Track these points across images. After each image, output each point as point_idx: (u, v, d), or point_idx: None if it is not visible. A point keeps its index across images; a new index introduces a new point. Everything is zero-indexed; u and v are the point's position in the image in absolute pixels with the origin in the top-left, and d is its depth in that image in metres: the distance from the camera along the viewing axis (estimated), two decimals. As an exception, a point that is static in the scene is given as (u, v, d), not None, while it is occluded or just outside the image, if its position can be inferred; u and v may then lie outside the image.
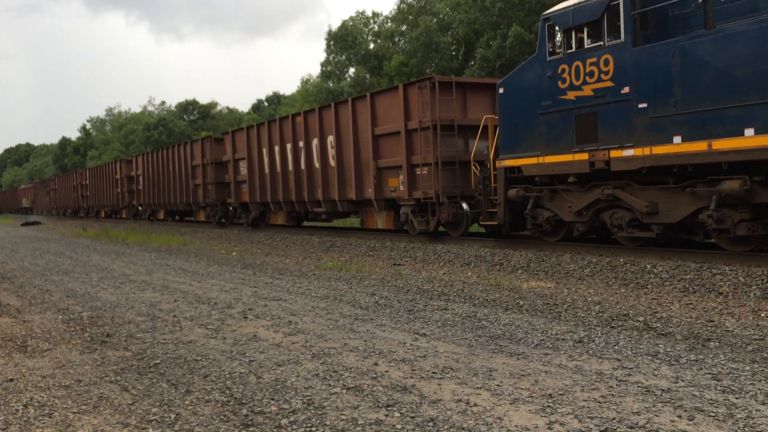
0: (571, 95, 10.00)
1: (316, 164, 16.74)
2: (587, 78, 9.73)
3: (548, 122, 10.43)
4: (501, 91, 11.34)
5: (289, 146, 18.02)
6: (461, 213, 12.78)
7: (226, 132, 23.41)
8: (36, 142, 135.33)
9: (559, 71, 10.13)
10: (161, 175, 28.30)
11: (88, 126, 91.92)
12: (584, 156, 9.84)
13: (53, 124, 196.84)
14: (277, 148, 18.71)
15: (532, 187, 11.02)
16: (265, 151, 19.38)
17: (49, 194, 52.49)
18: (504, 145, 11.30)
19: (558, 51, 10.25)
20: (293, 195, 17.87)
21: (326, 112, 16.35)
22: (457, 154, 12.92)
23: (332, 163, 16.04)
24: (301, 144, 17.38)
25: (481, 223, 12.21)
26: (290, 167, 17.91)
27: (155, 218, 30.66)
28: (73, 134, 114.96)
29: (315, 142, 16.75)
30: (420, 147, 13.09)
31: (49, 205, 53.37)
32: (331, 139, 16.06)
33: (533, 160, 10.72)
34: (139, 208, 32.20)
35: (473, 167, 12.31)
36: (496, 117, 11.76)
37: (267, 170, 19.22)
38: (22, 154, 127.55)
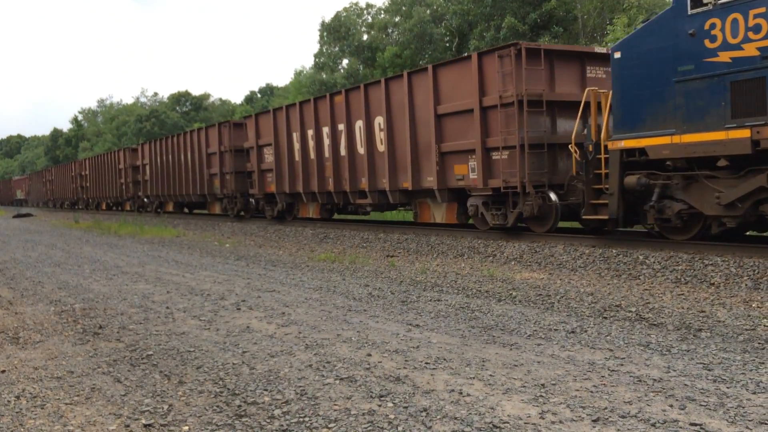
0: (725, 56, 8.07)
1: (360, 150, 14.71)
2: (751, 34, 7.80)
3: (688, 92, 8.49)
4: (617, 56, 9.43)
5: (326, 130, 15.91)
6: (549, 205, 10.91)
7: (247, 116, 20.92)
8: (27, 133, 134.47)
9: (707, 27, 8.19)
10: (171, 165, 25.88)
11: (80, 118, 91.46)
12: (744, 133, 7.92)
13: (45, 115, 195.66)
14: (311, 132, 16.51)
15: (657, 173, 9.09)
16: (296, 135, 17.17)
17: (46, 185, 50.33)
18: (620, 122, 9.37)
19: (706, 1, 8.20)
20: (330, 185, 15.83)
21: (374, 90, 14.30)
22: (545, 135, 11.03)
23: (381, 147, 14.11)
24: (341, 127, 15.31)
25: (584, 216, 10.13)
26: (327, 153, 15.94)
27: (163, 211, 28.47)
28: (65, 126, 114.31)
29: (359, 124, 14.69)
30: (499, 127, 11.11)
31: (45, 197, 51.18)
32: (379, 120, 14.06)
33: (664, 140, 8.77)
34: (145, 200, 29.89)
35: (573, 150, 10.33)
36: (601, 90, 10.32)
37: (298, 157, 17.07)
38: (13, 145, 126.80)
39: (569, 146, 10.50)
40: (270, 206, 19.30)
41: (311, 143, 16.49)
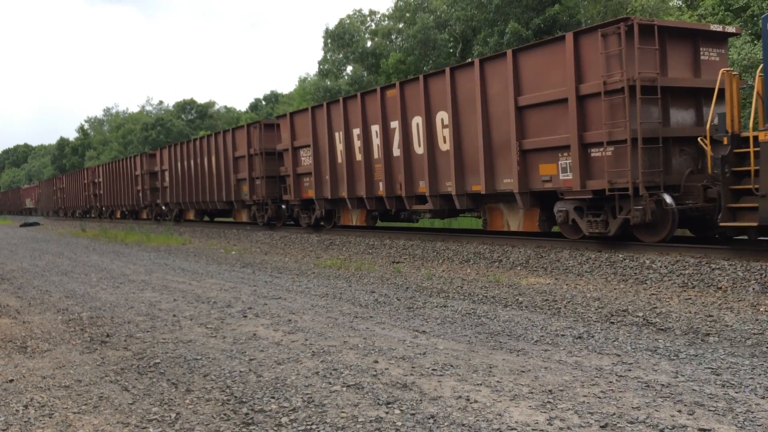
0: None
1: (418, 149, 13.15)
2: None
3: None
4: None
5: (375, 128, 14.27)
6: (664, 210, 9.35)
7: (280, 115, 18.69)
8: (34, 142, 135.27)
9: None
10: (194, 170, 24.01)
11: (86, 126, 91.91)
12: None
13: (51, 124, 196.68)
14: (357, 131, 14.85)
15: None
16: (339, 135, 15.43)
17: (56, 194, 48.14)
18: None
19: None
20: (381, 189, 14.18)
21: (436, 82, 12.59)
22: (659, 127, 9.50)
23: (444, 146, 12.49)
24: (394, 124, 13.74)
25: (721, 223, 8.54)
26: (377, 154, 14.29)
27: (183, 219, 26.76)
28: (71, 135, 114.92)
29: (416, 120, 13.14)
30: (602, 119, 9.56)
31: (55, 206, 48.90)
32: (442, 115, 12.46)
33: None
34: (163, 207, 28.04)
35: (704, 144, 8.91)
36: (734, 72, 8.95)
37: (341, 159, 15.37)
38: (20, 155, 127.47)
39: (699, 139, 9.16)
40: (306, 213, 17.63)
41: (357, 143, 14.86)
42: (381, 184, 14.21)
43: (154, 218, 29.24)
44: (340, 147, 15.45)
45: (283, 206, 18.96)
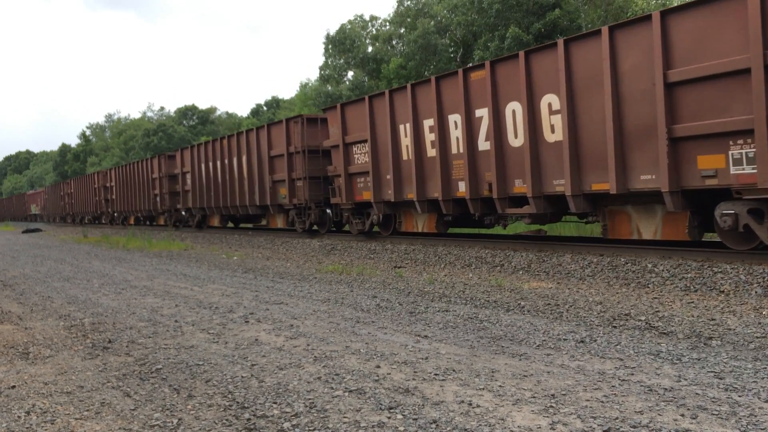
0: None
1: (514, 141, 11.02)
2: None
3: None
4: None
5: (454, 119, 12.15)
6: None
7: (329, 107, 15.99)
8: (36, 149, 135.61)
9: None
10: (220, 172, 22.13)
11: (88, 132, 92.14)
12: None
13: (53, 131, 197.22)
14: (428, 123, 12.75)
15: None
16: (404, 128, 13.36)
17: (64, 199, 46.34)
18: None
19: None
20: (462, 189, 12.07)
21: (542, 59, 10.42)
22: None
23: (551, 137, 10.36)
24: (480, 113, 11.58)
25: None
26: (456, 148, 12.16)
27: (206, 225, 24.97)
28: (73, 141, 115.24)
29: (512, 107, 10.96)
30: None
31: (62, 212, 46.98)
32: (550, 99, 10.30)
33: None
34: (183, 213, 26.10)
35: None
36: None
37: (408, 155, 13.29)
38: (22, 161, 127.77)
39: None
40: (359, 219, 15.53)
41: (429, 137, 12.78)
42: (462, 183, 12.05)
43: (173, 224, 27.38)
44: (405, 141, 13.37)
45: (328, 210, 17.03)
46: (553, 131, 10.38)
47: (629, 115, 9.30)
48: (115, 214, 35.19)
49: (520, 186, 10.94)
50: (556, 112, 10.29)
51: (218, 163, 22.29)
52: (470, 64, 11.78)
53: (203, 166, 23.48)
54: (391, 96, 13.69)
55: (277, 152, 18.53)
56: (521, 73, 10.69)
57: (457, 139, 12.17)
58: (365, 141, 14.54)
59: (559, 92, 10.15)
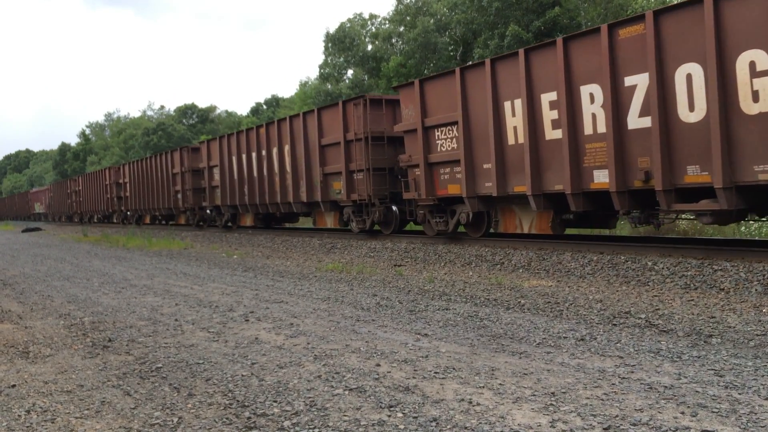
0: None
1: (688, 116, 8.53)
2: None
3: None
4: None
5: (589, 90, 9.71)
6: None
7: (403, 84, 13.62)
8: (35, 148, 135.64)
9: None
10: (255, 165, 19.61)
11: (88, 131, 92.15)
12: None
13: (52, 130, 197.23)
14: (547, 98, 10.34)
15: None
16: (510, 106, 10.96)
17: (71, 197, 43.76)
18: None
19: None
20: (602, 179, 9.65)
21: (739, 3, 7.88)
22: None
23: (755, 107, 7.84)
24: (633, 80, 9.12)
25: None
26: (591, 129, 9.77)
27: (237, 225, 22.41)
28: (73, 140, 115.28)
29: (685, 71, 8.49)
30: None
31: (69, 210, 44.49)
32: (755, 57, 7.76)
33: None
34: (208, 211, 23.82)
35: None
36: None
37: (516, 138, 10.94)
38: (21, 160, 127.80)
39: None
40: (441, 217, 12.95)
41: (549, 115, 10.34)
42: (601, 172, 9.65)
43: (197, 224, 24.99)
44: (513, 122, 10.94)
45: (394, 207, 14.76)
46: (756, 99, 7.75)
47: None
48: (128, 213, 33.01)
49: (696, 174, 8.48)
50: (762, 73, 7.67)
51: (253, 154, 19.66)
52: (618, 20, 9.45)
53: (234, 158, 20.88)
54: (494, 66, 11.13)
55: (331, 140, 15.87)
56: (708, 24, 7.97)
57: (593, 115, 9.69)
58: (453, 123, 12.07)
59: None
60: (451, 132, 12.22)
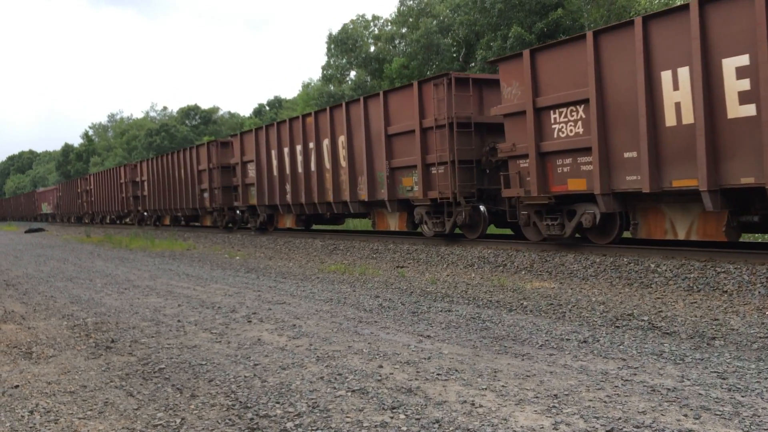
0: None
1: None
2: None
3: None
4: None
5: None
6: None
7: (505, 57, 11.21)
8: (39, 149, 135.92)
9: None
10: (300, 160, 17.21)
11: (91, 132, 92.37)
12: None
13: (56, 131, 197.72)
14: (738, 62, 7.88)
15: None
16: (671, 76, 8.63)
17: (81, 197, 41.44)
18: None
19: None
20: None
21: None
22: None
23: None
24: None
25: None
26: None
27: (273, 227, 20.15)
28: (76, 141, 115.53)
29: None
30: None
31: (80, 211, 42.12)
32: None
33: None
34: (238, 212, 22.11)
35: None
36: None
37: (677, 119, 8.59)
38: (25, 161, 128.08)
39: None
40: (552, 219, 10.66)
41: (738, 85, 7.95)
42: None
43: (225, 226, 22.78)
44: (674, 96, 8.65)
45: (482, 208, 12.55)
46: None
47: None
48: (146, 214, 30.76)
49: None
50: None
51: (298, 147, 17.29)
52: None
53: (274, 152, 18.39)
54: (646, 26, 8.81)
55: (401, 128, 13.56)
56: None
57: None
58: (580, 102, 9.85)
59: None
60: (575, 113, 9.98)
